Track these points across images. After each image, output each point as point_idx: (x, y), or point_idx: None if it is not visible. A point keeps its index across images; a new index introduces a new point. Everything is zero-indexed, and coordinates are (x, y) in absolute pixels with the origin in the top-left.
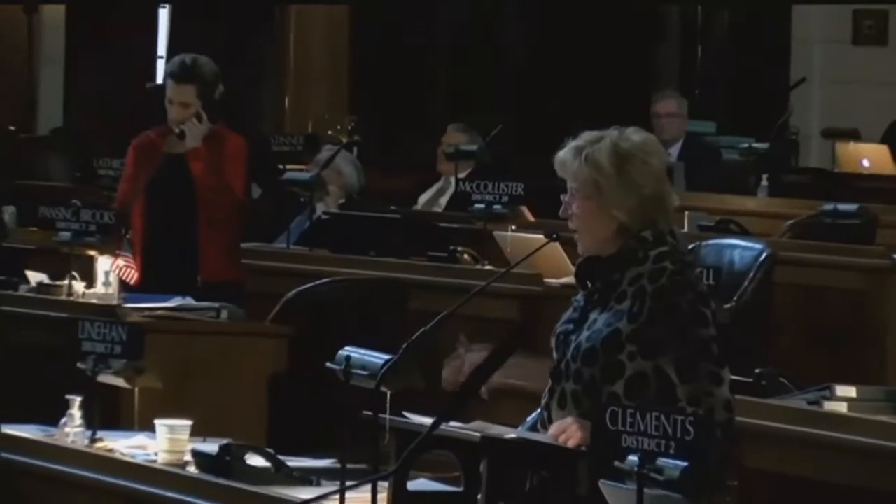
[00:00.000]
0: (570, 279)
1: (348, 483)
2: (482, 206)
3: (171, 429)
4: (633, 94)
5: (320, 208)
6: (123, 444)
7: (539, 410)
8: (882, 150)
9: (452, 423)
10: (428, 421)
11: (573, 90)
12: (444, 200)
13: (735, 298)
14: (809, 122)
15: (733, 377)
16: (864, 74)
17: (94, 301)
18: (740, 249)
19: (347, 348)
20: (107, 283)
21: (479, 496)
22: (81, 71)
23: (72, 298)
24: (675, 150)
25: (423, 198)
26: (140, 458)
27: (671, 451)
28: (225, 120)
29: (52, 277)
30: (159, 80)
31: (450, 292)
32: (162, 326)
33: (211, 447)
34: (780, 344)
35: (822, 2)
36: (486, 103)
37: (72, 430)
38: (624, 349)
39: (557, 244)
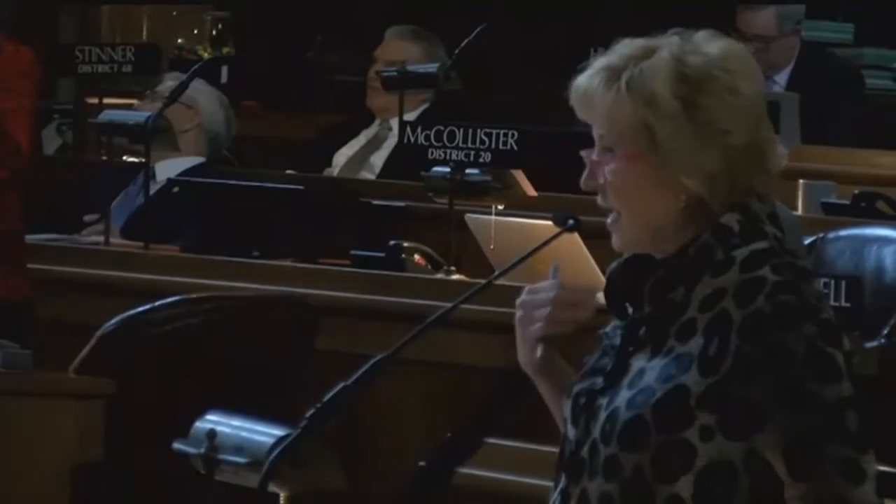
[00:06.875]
0: (599, 298)
1: None
2: (446, 169)
3: None
4: None
5: (163, 173)
6: None
7: None
8: None
9: None
10: None
11: None
12: (378, 160)
13: (886, 331)
14: None
15: (883, 468)
16: None
17: None
18: None
19: (210, 417)
20: None
21: None
22: None
23: None
24: (783, 75)
25: (344, 155)
26: None
27: None
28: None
29: None
30: None
31: (390, 319)
32: None
33: None
34: None
35: None
36: None
37: None
38: (694, 422)
39: (576, 236)
